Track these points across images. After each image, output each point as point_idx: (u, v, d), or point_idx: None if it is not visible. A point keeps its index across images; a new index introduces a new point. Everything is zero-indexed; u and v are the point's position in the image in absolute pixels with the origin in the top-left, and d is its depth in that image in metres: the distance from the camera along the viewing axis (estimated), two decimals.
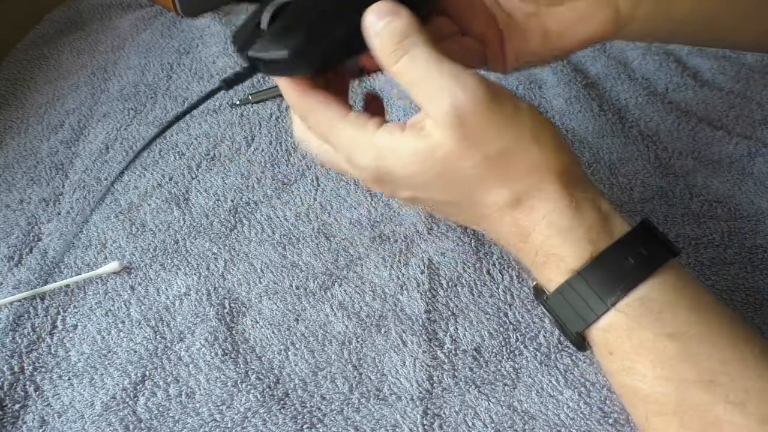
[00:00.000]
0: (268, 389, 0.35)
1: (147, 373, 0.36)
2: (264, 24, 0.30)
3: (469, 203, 0.30)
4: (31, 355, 0.37)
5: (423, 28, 0.29)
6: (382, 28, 0.29)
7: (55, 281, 0.40)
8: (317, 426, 0.33)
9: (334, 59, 0.31)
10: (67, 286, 0.40)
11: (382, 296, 0.39)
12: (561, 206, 0.28)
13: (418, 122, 0.29)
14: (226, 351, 0.36)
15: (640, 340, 0.27)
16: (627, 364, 0.27)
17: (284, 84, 0.31)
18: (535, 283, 0.31)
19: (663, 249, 0.28)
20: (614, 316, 0.27)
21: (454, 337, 0.37)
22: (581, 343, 0.29)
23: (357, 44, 0.30)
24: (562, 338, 0.37)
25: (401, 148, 0.29)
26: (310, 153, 0.35)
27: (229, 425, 0.33)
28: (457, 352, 0.36)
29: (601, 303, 0.27)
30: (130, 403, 0.34)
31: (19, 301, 0.39)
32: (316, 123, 0.31)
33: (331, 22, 0.30)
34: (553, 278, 0.29)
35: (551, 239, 0.29)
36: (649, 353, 0.27)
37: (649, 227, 0.29)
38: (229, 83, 0.32)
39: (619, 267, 0.28)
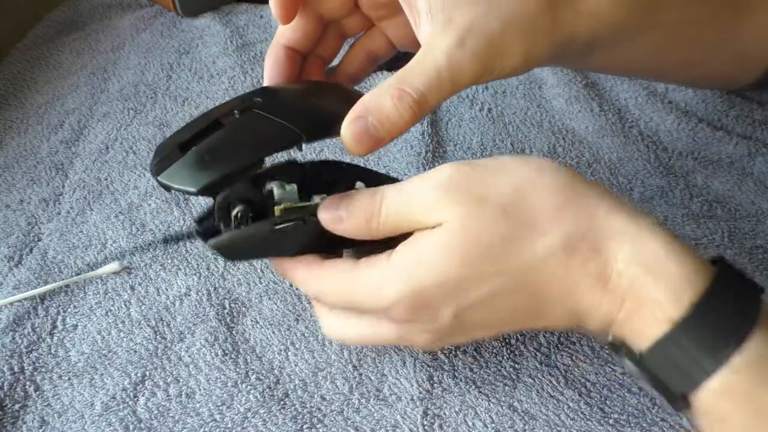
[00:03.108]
0: (268, 389, 0.35)
1: (147, 373, 0.36)
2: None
3: (517, 275, 0.26)
4: (31, 355, 0.37)
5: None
6: (342, 220, 0.29)
7: (55, 281, 0.40)
8: (317, 426, 0.33)
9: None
10: (67, 286, 0.40)
11: None
12: (637, 240, 0.25)
13: (423, 233, 0.27)
14: (227, 351, 0.36)
15: (763, 404, 0.23)
16: None
17: (279, 268, 0.32)
18: (611, 338, 0.26)
19: (749, 286, 0.25)
20: (730, 377, 0.23)
21: None
22: (683, 404, 0.24)
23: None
24: (562, 338, 0.37)
25: (418, 256, 0.27)
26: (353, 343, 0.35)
27: (229, 425, 0.33)
28: (457, 352, 0.36)
29: (713, 360, 0.23)
30: (130, 403, 0.34)
31: (19, 301, 0.39)
32: (332, 291, 0.29)
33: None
34: (646, 330, 0.24)
35: (640, 280, 0.24)
36: None
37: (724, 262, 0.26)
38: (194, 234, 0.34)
39: (725, 313, 0.23)
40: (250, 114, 0.31)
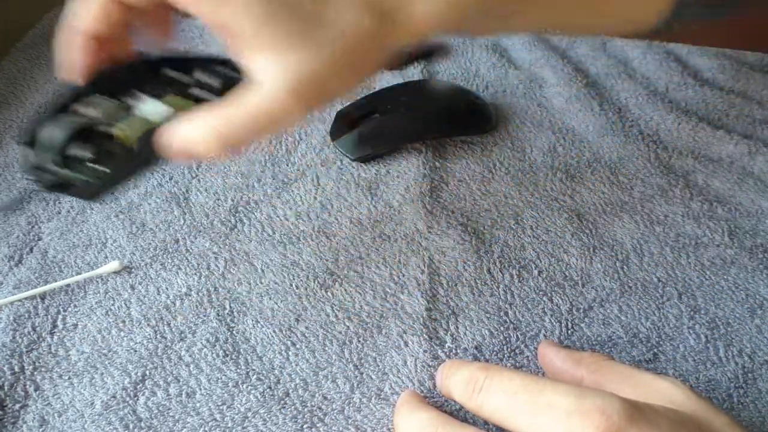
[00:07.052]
0: (268, 389, 0.35)
1: (147, 372, 0.36)
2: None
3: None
4: (31, 354, 0.37)
5: None
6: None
7: (56, 281, 0.40)
8: (318, 425, 0.33)
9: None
10: (68, 285, 0.40)
11: (383, 295, 0.39)
12: None
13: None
14: (227, 352, 0.36)
15: None
16: None
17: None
18: None
19: None
20: None
21: (454, 336, 0.37)
22: None
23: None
24: (562, 337, 0.37)
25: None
26: None
27: (229, 425, 0.33)
28: (458, 350, 0.36)
29: None
30: (130, 402, 0.34)
31: (20, 300, 0.39)
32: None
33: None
34: None
35: None
36: None
37: None
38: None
39: None
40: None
